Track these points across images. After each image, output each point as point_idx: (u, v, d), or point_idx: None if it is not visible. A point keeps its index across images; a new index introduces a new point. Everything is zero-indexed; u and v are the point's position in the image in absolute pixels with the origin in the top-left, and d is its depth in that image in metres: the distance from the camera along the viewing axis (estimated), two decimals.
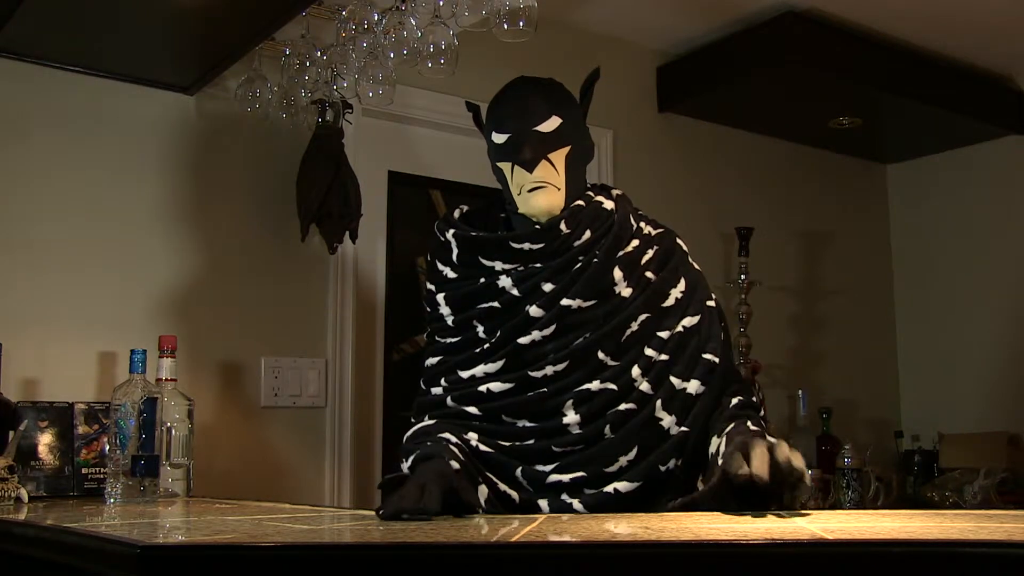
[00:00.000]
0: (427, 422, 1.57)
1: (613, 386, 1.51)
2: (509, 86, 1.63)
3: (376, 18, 2.05)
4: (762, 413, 1.57)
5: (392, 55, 2.00)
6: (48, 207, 2.20)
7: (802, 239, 3.72)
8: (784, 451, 1.22)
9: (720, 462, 1.38)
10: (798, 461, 1.21)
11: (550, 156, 1.55)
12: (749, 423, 1.46)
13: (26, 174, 2.19)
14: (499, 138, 1.58)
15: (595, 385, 1.51)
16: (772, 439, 1.28)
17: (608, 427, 1.50)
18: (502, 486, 1.50)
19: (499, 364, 1.54)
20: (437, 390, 1.61)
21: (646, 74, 3.30)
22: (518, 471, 1.51)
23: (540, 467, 1.51)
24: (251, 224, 2.46)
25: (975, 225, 3.75)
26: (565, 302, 1.52)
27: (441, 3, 1.95)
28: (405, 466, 1.48)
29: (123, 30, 2.07)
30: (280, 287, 2.48)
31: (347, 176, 2.42)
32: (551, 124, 1.56)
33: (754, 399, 1.58)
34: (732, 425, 1.47)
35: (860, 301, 3.86)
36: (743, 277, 3.25)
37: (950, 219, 3.84)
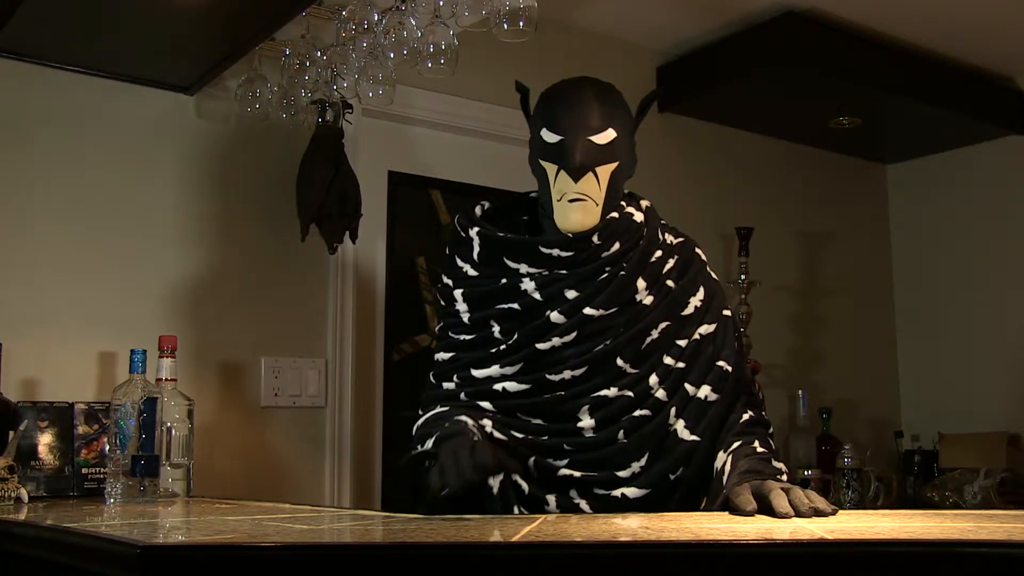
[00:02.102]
0: (440, 409, 1.56)
1: (630, 393, 1.51)
2: (568, 84, 1.58)
3: (376, 18, 2.05)
4: (771, 431, 1.56)
5: (392, 55, 2.00)
6: (48, 207, 2.20)
7: (802, 239, 3.72)
8: (802, 499, 1.19)
9: (724, 485, 1.39)
10: (822, 504, 1.18)
11: (597, 169, 1.53)
12: (756, 443, 1.47)
13: (26, 174, 2.18)
14: (550, 137, 1.54)
15: (612, 392, 1.51)
16: (785, 483, 1.26)
17: (622, 432, 1.50)
18: (513, 475, 1.49)
19: (516, 367, 1.53)
20: (449, 385, 1.59)
21: (646, 74, 3.30)
22: (530, 461, 1.50)
23: (552, 461, 1.51)
24: (251, 224, 2.46)
25: (975, 225, 3.75)
26: (588, 311, 1.51)
27: (441, 3, 1.95)
28: (428, 444, 1.45)
29: (123, 30, 2.07)
30: (280, 287, 2.48)
31: (347, 176, 2.42)
32: (606, 136, 1.53)
33: (764, 413, 1.58)
34: (739, 443, 1.47)
35: (860, 301, 3.85)
36: (743, 277, 3.25)
37: (950, 219, 3.84)
